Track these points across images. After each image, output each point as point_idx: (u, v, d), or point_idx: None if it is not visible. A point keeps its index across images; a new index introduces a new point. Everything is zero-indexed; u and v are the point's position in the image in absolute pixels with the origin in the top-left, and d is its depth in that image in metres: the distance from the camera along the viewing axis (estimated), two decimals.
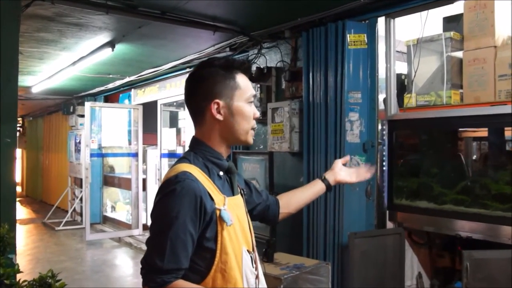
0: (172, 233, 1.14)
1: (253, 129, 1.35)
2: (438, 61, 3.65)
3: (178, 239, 1.14)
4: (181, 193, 1.16)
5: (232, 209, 1.26)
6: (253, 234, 1.39)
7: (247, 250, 1.31)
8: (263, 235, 3.54)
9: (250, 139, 1.36)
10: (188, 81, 1.35)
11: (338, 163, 1.76)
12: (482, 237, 2.85)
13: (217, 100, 1.28)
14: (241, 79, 1.32)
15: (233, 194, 1.33)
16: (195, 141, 1.35)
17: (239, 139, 1.33)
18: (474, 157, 3.88)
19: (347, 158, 1.82)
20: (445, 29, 3.72)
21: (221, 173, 1.31)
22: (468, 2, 3.35)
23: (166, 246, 1.14)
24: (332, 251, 3.41)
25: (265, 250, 3.01)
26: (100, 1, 3.33)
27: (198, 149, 1.32)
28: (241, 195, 1.40)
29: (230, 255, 1.22)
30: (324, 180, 1.69)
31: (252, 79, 4.21)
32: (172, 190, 1.16)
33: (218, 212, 1.21)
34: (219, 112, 1.29)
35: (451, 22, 3.74)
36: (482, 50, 3.37)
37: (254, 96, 1.37)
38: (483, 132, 3.59)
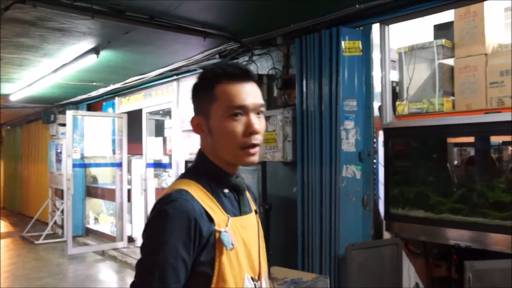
0: (161, 258, 1.04)
1: (249, 146, 1.14)
2: (429, 69, 3.64)
3: (167, 264, 1.04)
4: (172, 214, 1.05)
5: (237, 231, 1.14)
6: (263, 260, 1.25)
7: (251, 278, 1.17)
8: None
9: (246, 159, 1.15)
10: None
11: None
12: (481, 247, 2.80)
13: (196, 116, 1.19)
14: (222, 89, 1.14)
15: (241, 214, 1.19)
16: (199, 154, 1.23)
17: (226, 159, 1.17)
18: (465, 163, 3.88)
19: None
20: (436, 36, 3.72)
21: (226, 190, 1.18)
22: (458, 10, 3.35)
23: (155, 271, 1.04)
24: (328, 263, 3.31)
25: None
26: (85, 5, 3.20)
27: (201, 163, 1.21)
28: (256, 213, 1.27)
29: (228, 283, 1.10)
30: None
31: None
32: (163, 211, 1.06)
33: (217, 235, 1.09)
34: (200, 129, 1.18)
35: (442, 30, 3.74)
36: (473, 58, 3.37)
37: (241, 107, 1.13)
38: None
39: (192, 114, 1.22)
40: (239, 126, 1.13)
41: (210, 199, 1.13)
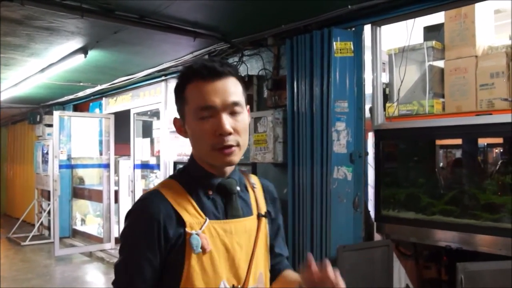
0: (127, 256, 1.08)
1: (223, 147, 1.08)
2: (420, 70, 3.65)
3: (132, 262, 1.07)
4: (137, 215, 1.08)
5: (216, 236, 1.08)
6: (258, 267, 1.16)
7: (233, 286, 1.10)
8: None
9: (221, 160, 1.10)
10: None
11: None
12: (472, 248, 2.81)
13: (175, 117, 1.18)
14: (191, 90, 1.10)
15: (227, 218, 1.12)
16: (190, 155, 1.20)
17: (205, 160, 1.13)
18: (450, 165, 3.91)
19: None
20: (426, 38, 3.73)
21: (210, 192, 1.13)
22: (449, 11, 3.36)
23: (121, 268, 1.09)
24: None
25: None
26: (74, 4, 3.14)
27: (188, 164, 1.19)
28: (259, 217, 1.18)
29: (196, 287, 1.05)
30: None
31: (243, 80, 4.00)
32: (131, 211, 1.10)
33: (188, 237, 1.05)
34: (182, 131, 1.17)
35: (432, 32, 3.76)
36: (463, 60, 3.39)
37: (207, 107, 1.07)
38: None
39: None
40: (208, 127, 1.08)
41: (187, 201, 1.09)
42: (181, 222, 1.06)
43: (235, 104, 1.09)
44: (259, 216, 1.19)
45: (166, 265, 1.06)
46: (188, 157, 1.21)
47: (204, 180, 1.14)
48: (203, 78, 1.08)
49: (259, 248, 1.17)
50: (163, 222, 1.04)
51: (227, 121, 1.07)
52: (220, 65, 1.10)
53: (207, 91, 1.08)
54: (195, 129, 1.10)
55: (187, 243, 1.05)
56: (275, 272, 1.30)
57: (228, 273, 1.10)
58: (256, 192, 1.24)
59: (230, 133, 1.07)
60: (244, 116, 1.13)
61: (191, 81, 1.10)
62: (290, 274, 1.33)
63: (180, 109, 1.15)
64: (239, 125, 1.10)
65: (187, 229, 1.06)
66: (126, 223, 1.10)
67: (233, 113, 1.09)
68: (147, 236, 1.04)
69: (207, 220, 1.08)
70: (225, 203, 1.14)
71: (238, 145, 1.10)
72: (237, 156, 1.11)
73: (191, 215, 1.07)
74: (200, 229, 1.06)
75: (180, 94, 1.13)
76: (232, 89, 1.10)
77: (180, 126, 1.16)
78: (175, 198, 1.08)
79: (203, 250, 1.06)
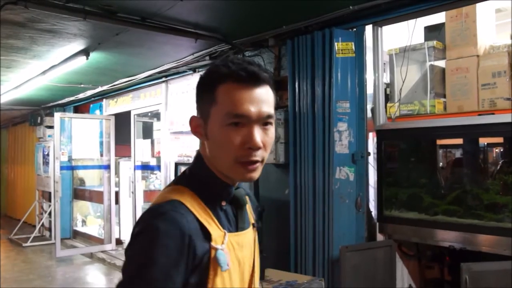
0: (149, 281, 0.88)
1: (247, 162, 0.97)
2: (421, 70, 3.65)
3: None
4: (163, 230, 0.90)
5: (232, 249, 1.00)
6: (256, 280, 1.11)
7: None
8: None
9: (242, 176, 0.99)
10: None
11: None
12: (476, 248, 2.82)
13: (195, 116, 1.04)
14: (225, 91, 0.97)
15: (237, 230, 1.05)
16: (197, 157, 1.07)
17: (221, 170, 1.01)
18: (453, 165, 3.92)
19: None
20: (427, 38, 3.73)
21: (223, 203, 1.03)
22: (450, 11, 3.37)
23: None
24: (321, 265, 3.30)
25: None
26: (77, 6, 3.15)
27: (197, 169, 1.05)
28: (253, 227, 1.13)
29: None
30: None
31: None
32: (152, 225, 0.91)
33: (213, 253, 0.95)
34: (199, 131, 1.03)
35: (433, 32, 3.76)
36: (464, 59, 3.39)
37: (242, 116, 0.96)
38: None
39: (193, 113, 1.08)
40: (237, 137, 0.96)
41: (205, 211, 0.98)
42: (206, 237, 0.95)
43: (269, 116, 0.99)
44: (253, 226, 1.14)
45: (185, 286, 0.93)
46: (193, 159, 1.09)
47: (220, 190, 1.03)
48: (241, 82, 0.97)
49: (257, 259, 1.12)
50: (193, 237, 0.92)
51: (259, 134, 0.97)
52: (260, 70, 0.99)
53: (244, 97, 0.96)
54: (221, 135, 0.97)
55: (211, 261, 0.94)
56: None
57: None
58: (248, 201, 1.17)
59: (259, 148, 0.97)
60: (273, 130, 1.02)
61: (225, 81, 0.98)
62: None
63: (203, 108, 1.01)
64: (268, 140, 1.00)
65: (213, 244, 0.95)
66: (147, 239, 0.91)
67: (265, 126, 0.99)
68: (177, 255, 0.90)
69: (226, 233, 0.99)
70: (236, 214, 1.06)
71: (262, 160, 1.00)
72: (258, 172, 1.01)
73: (213, 228, 0.97)
74: (223, 243, 0.97)
75: (208, 92, 1.00)
76: (270, 99, 1.01)
77: (198, 126, 1.03)
78: (196, 208, 0.96)
79: (227, 266, 0.97)
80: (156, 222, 0.91)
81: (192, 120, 1.04)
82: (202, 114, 1.02)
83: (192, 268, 0.92)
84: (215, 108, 0.98)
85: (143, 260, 0.89)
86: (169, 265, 0.89)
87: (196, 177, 1.04)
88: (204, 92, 1.01)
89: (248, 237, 1.08)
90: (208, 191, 1.02)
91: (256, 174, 1.00)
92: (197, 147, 1.10)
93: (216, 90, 0.98)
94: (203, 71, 1.05)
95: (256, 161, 0.98)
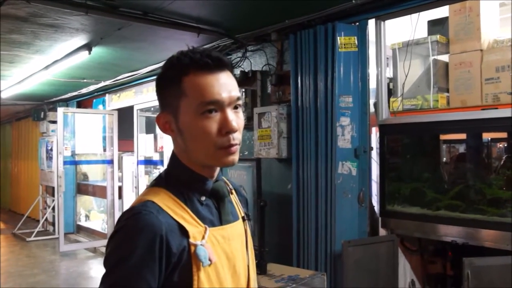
0: (120, 279, 0.90)
1: (228, 146, 0.98)
2: (424, 65, 3.64)
3: (126, 286, 0.90)
4: (134, 230, 0.91)
5: (217, 244, 1.00)
6: (252, 272, 1.11)
7: None
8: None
9: (224, 160, 0.99)
10: None
11: None
12: (478, 243, 2.81)
13: (163, 114, 1.02)
14: (192, 82, 0.97)
15: (221, 224, 1.04)
16: (172, 157, 1.07)
17: (200, 162, 1.02)
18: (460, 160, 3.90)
19: None
20: (430, 32, 3.72)
21: (203, 198, 1.02)
22: (453, 5, 3.34)
23: None
24: (324, 260, 3.30)
25: (258, 262, 2.87)
26: (79, 1, 3.14)
27: (173, 168, 1.05)
28: (243, 220, 1.12)
29: None
30: None
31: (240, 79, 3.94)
32: (123, 226, 0.93)
33: (193, 249, 0.94)
34: (169, 128, 1.02)
35: (436, 26, 3.74)
36: (468, 54, 3.37)
37: (215, 102, 0.97)
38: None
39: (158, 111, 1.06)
40: (213, 124, 0.97)
41: (183, 209, 0.98)
42: (183, 234, 0.95)
43: (239, 99, 1.01)
44: (243, 219, 1.13)
45: (169, 286, 0.94)
46: (169, 160, 1.08)
47: (197, 184, 1.03)
48: (206, 69, 0.97)
49: (250, 251, 1.13)
50: (165, 236, 0.92)
51: (233, 117, 0.99)
52: (221, 55, 1.01)
53: (213, 84, 0.97)
54: (197, 126, 0.97)
55: (192, 257, 0.94)
56: None
57: (231, 283, 1.03)
58: (234, 194, 1.18)
59: (236, 131, 0.99)
60: (242, 113, 1.04)
61: (189, 71, 0.98)
62: None
63: (170, 103, 1.00)
64: (240, 123, 1.02)
65: (191, 240, 0.95)
66: (116, 242, 0.93)
67: (235, 109, 1.01)
68: (148, 254, 0.90)
69: (207, 228, 0.99)
70: (218, 208, 1.06)
71: (239, 143, 1.01)
72: (238, 155, 1.02)
73: (191, 225, 0.97)
74: (203, 238, 0.97)
75: (172, 86, 0.99)
76: (235, 83, 1.02)
77: (167, 123, 1.02)
78: (170, 207, 0.96)
79: (210, 261, 0.96)
80: (128, 222, 0.93)
81: (159, 118, 1.03)
82: (170, 109, 1.01)
83: (171, 267, 0.93)
84: (184, 100, 0.98)
85: (116, 260, 0.91)
86: (140, 265, 0.89)
87: (171, 176, 1.04)
88: (168, 87, 1.00)
89: (237, 230, 1.08)
90: (185, 188, 1.01)
91: (236, 157, 1.01)
92: None
93: (182, 82, 0.98)
94: (166, 64, 1.02)
95: (235, 144, 0.99)
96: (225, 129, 0.97)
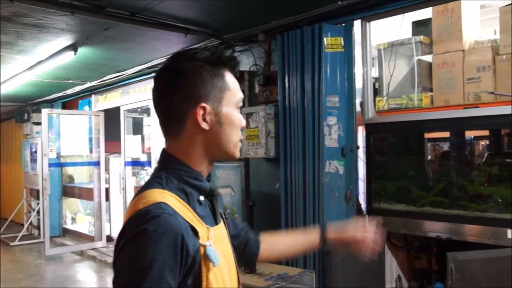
0: (145, 287, 0.85)
1: (240, 141, 1.10)
2: (408, 65, 3.70)
3: None
4: (156, 234, 0.87)
5: (217, 243, 1.00)
6: (238, 270, 1.13)
7: None
8: None
9: (238, 153, 1.09)
10: (160, 78, 1.04)
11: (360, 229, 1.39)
12: (461, 238, 2.88)
13: (203, 104, 1.00)
14: (230, 78, 1.06)
15: (216, 223, 1.05)
16: (166, 157, 1.05)
17: (226, 153, 1.06)
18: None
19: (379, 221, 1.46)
20: (414, 33, 3.78)
21: (201, 197, 1.03)
22: (436, 7, 3.42)
23: None
24: (312, 257, 3.35)
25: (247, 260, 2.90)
26: (65, 1, 3.12)
27: (171, 168, 1.02)
28: (223, 220, 1.13)
29: None
30: (322, 237, 1.40)
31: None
32: (143, 230, 0.88)
33: (202, 250, 0.94)
34: (205, 120, 1.01)
35: (420, 27, 3.81)
36: (450, 54, 3.44)
37: (242, 100, 1.10)
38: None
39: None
40: (240, 119, 1.08)
41: (189, 210, 0.97)
42: (195, 235, 0.94)
43: None
44: (222, 217, 1.14)
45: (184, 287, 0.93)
46: (163, 160, 1.06)
47: (198, 184, 1.03)
48: (234, 70, 1.08)
49: (233, 249, 1.13)
50: (186, 237, 0.91)
51: None
52: None
53: (238, 84, 1.09)
54: (236, 118, 1.06)
55: (202, 258, 0.94)
56: (253, 244, 1.36)
57: (229, 281, 1.04)
58: None
59: None
60: None
61: (226, 68, 1.06)
62: (276, 236, 1.44)
63: (213, 95, 1.02)
64: None
65: (201, 241, 0.94)
66: (140, 245, 0.88)
67: None
68: (172, 259, 0.88)
69: (209, 228, 0.99)
70: (212, 207, 1.08)
71: None
72: None
73: (197, 225, 0.96)
74: (209, 239, 0.97)
75: (219, 78, 1.03)
76: None
77: (209, 114, 1.02)
78: (179, 208, 0.95)
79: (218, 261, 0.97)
80: (145, 226, 0.88)
81: (203, 108, 1.01)
82: (211, 101, 1.02)
83: (187, 268, 0.92)
84: (228, 93, 1.04)
85: (136, 268, 0.87)
86: (164, 270, 0.87)
87: (171, 177, 1.01)
88: (212, 79, 1.02)
89: (224, 228, 1.10)
90: (187, 188, 1.01)
91: None
92: None
93: (225, 76, 1.05)
94: (204, 56, 1.03)
95: None
96: (243, 123, 1.09)
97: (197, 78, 1.01)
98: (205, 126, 1.01)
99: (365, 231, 1.39)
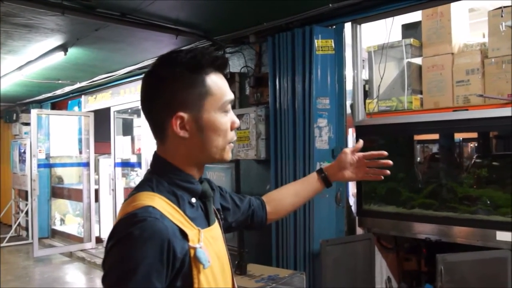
0: None
1: (231, 142, 1.07)
2: (398, 67, 3.73)
3: None
4: (141, 237, 0.88)
5: (209, 245, 1.00)
6: (232, 270, 1.14)
7: None
8: (231, 246, 3.43)
9: (227, 156, 1.07)
10: (144, 82, 1.04)
11: (347, 155, 1.44)
12: (450, 240, 2.90)
13: (180, 114, 0.99)
14: (214, 81, 1.02)
15: (209, 224, 1.06)
16: (157, 160, 1.06)
17: (213, 158, 1.05)
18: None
19: (360, 144, 1.48)
20: (404, 36, 3.82)
21: (193, 200, 1.03)
22: (426, 10, 3.45)
23: None
24: (303, 259, 3.35)
25: (238, 262, 2.90)
26: (55, 1, 3.10)
27: (161, 171, 1.03)
28: (218, 220, 1.13)
29: None
30: (322, 176, 1.44)
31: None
32: (129, 234, 0.88)
33: (192, 252, 0.94)
34: (183, 128, 1.00)
35: (410, 30, 3.85)
36: (440, 57, 3.48)
37: (231, 101, 1.06)
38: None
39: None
40: (229, 121, 1.05)
41: (178, 213, 0.97)
42: (184, 238, 0.95)
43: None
44: (217, 217, 1.14)
45: None
46: (154, 163, 1.07)
47: (189, 186, 1.03)
48: (221, 70, 1.05)
49: (227, 249, 1.14)
50: (172, 241, 0.91)
51: None
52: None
53: (226, 85, 1.06)
54: (220, 122, 1.02)
55: (192, 260, 0.94)
56: (259, 212, 1.39)
57: (222, 282, 1.04)
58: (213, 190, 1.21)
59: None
60: None
61: (209, 71, 1.02)
62: (278, 192, 1.49)
63: (191, 103, 1.00)
64: None
65: (190, 244, 0.95)
66: (125, 249, 0.88)
67: None
68: (158, 262, 0.88)
69: (200, 230, 0.99)
70: (205, 208, 1.08)
71: None
72: None
73: (187, 228, 0.96)
74: (199, 241, 0.97)
75: (197, 86, 1.00)
76: None
77: (187, 123, 1.01)
78: (168, 211, 0.95)
79: (209, 263, 0.97)
80: (131, 230, 0.88)
81: (180, 118, 1.00)
82: (189, 109, 1.00)
83: (175, 272, 0.92)
84: (209, 98, 1.01)
85: (122, 271, 0.88)
86: (150, 274, 0.87)
87: (162, 180, 1.01)
88: (190, 87, 1.00)
89: (218, 229, 1.11)
90: (177, 190, 1.01)
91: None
92: None
93: (206, 80, 1.01)
94: (184, 61, 1.01)
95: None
96: (235, 125, 1.06)
97: (176, 85, 1.00)
98: (184, 134, 1.01)
99: (354, 154, 1.46)
